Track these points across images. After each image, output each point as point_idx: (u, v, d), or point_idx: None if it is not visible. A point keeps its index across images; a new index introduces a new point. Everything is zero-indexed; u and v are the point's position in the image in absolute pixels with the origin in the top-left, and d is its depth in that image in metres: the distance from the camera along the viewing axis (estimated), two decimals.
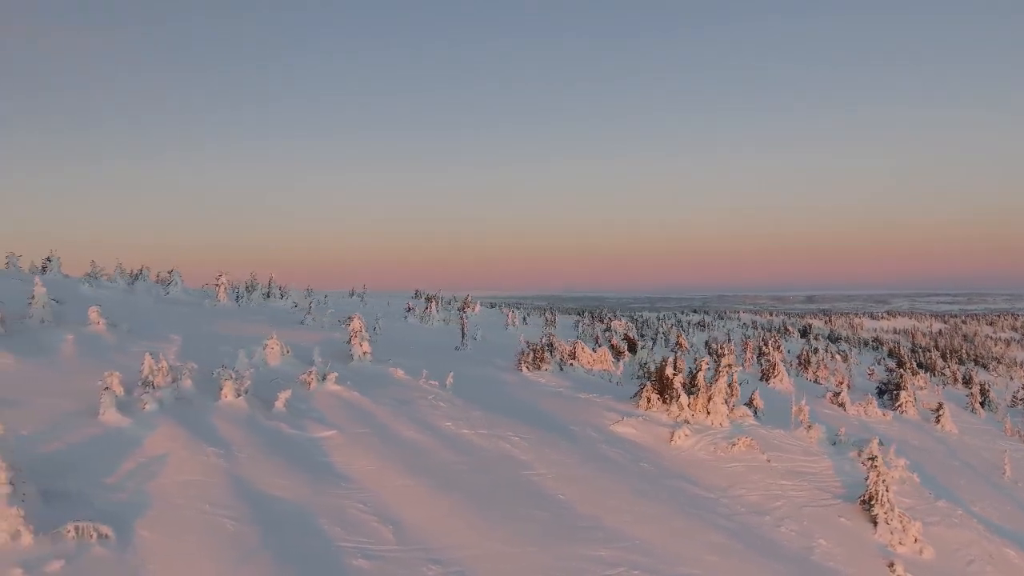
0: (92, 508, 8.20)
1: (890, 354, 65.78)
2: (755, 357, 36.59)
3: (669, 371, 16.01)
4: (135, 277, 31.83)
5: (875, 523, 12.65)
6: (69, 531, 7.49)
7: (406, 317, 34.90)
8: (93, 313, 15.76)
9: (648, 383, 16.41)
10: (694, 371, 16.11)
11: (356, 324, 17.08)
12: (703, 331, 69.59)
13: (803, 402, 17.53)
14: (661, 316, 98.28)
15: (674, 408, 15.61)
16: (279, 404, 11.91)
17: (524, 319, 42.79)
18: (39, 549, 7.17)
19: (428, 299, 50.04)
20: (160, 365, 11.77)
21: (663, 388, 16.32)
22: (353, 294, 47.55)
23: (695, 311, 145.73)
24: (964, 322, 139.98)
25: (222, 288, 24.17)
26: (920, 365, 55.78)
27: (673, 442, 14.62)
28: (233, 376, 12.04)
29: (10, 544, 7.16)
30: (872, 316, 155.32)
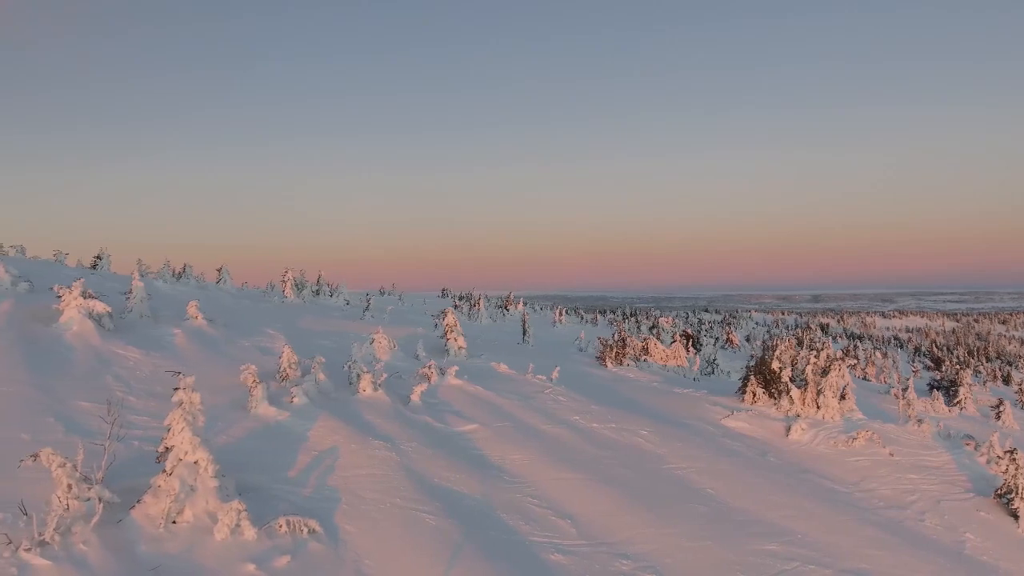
0: (287, 503, 7.95)
1: (916, 351, 65.56)
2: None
3: (776, 365, 15.75)
4: (180, 275, 31.66)
5: (1016, 517, 12.38)
6: (281, 526, 7.23)
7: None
8: (192, 308, 15.51)
9: (752, 377, 16.15)
10: (802, 366, 15.85)
11: (450, 319, 16.82)
12: (732, 329, 69.19)
13: (911, 396, 17.29)
14: (678, 315, 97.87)
15: (784, 402, 15.35)
16: (415, 398, 11.65)
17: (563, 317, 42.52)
18: (261, 544, 6.91)
19: (463, 298, 49.80)
20: (293, 359, 11.52)
21: (768, 382, 16.06)
22: (383, 292, 47.37)
23: (706, 310, 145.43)
24: (976, 320, 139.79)
25: (288, 285, 23.90)
26: (937, 359, 55.46)
27: (790, 436, 14.35)
28: (367, 370, 11.77)
29: (230, 539, 6.90)
30: (883, 315, 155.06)
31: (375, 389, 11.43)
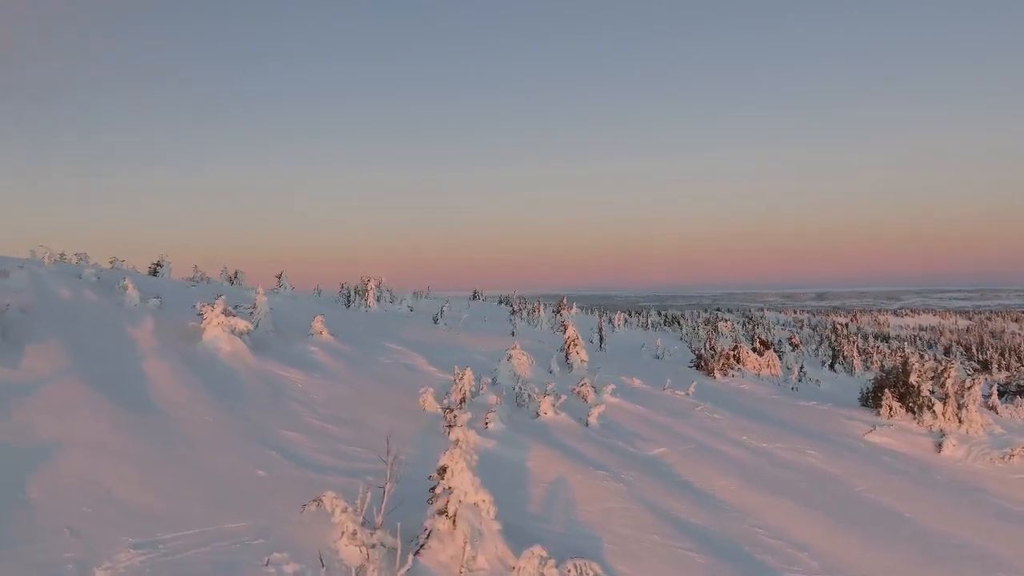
0: (546, 542, 7.52)
1: (947, 352, 65.25)
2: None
3: (914, 379, 15.39)
4: (232, 279, 31.22)
5: None
6: (570, 570, 6.82)
7: (511, 319, 34.22)
8: (318, 323, 15.11)
9: (887, 391, 15.78)
10: (941, 376, 15.48)
11: (571, 332, 16.43)
12: (751, 328, 68.87)
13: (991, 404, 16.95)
14: (691, 314, 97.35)
15: (926, 417, 14.99)
16: (592, 420, 11.26)
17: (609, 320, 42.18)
18: None
19: (502, 300, 49.42)
20: (471, 380, 11.12)
21: (903, 396, 15.70)
22: (418, 296, 46.94)
23: (718, 309, 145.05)
24: (989, 319, 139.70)
25: (371, 294, 23.47)
26: (985, 362, 55.19)
27: (942, 453, 13.99)
28: (539, 391, 11.39)
29: None
30: (895, 313, 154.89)
31: (556, 412, 11.03)
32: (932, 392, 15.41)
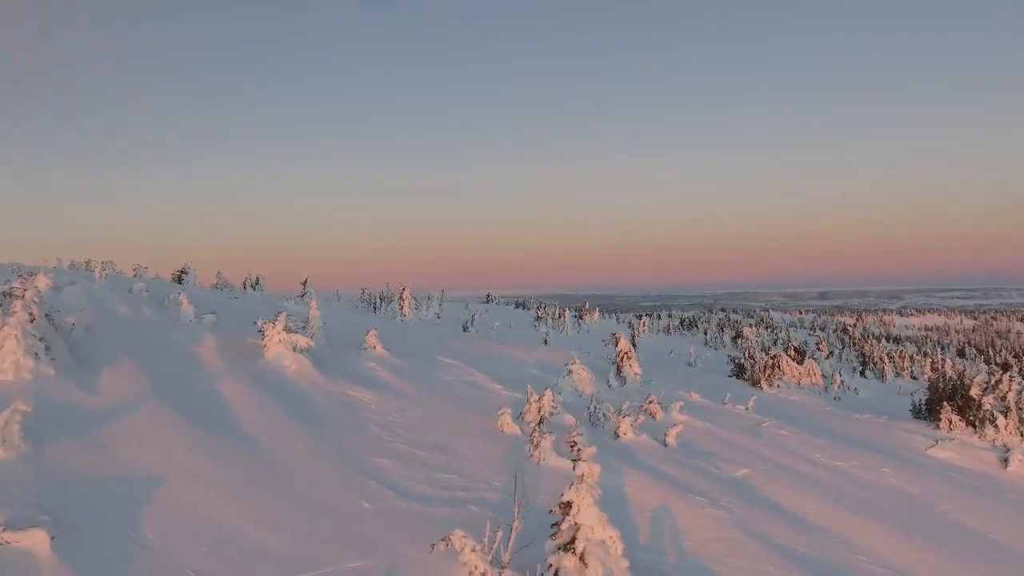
0: (660, 573, 7.38)
1: (960, 354, 65.09)
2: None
3: (975, 391, 15.22)
4: (254, 285, 30.99)
5: None
6: None
7: (536, 325, 34.06)
8: (372, 338, 14.91)
9: (946, 404, 15.60)
10: (998, 388, 15.30)
11: (623, 344, 16.24)
12: (772, 332, 68.64)
13: None
14: (697, 314, 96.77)
15: (989, 431, 14.82)
16: (670, 440, 11.07)
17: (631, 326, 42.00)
18: None
19: (519, 304, 49.29)
20: (550, 400, 10.92)
21: (961, 409, 15.52)
22: (440, 301, 46.74)
23: (723, 310, 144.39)
24: (994, 318, 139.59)
25: (406, 303, 23.27)
26: (1005, 365, 55.00)
27: (1009, 468, 13.81)
28: (615, 411, 11.20)
29: None
30: (900, 313, 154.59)
31: (637, 433, 10.85)
32: (993, 405, 15.23)
